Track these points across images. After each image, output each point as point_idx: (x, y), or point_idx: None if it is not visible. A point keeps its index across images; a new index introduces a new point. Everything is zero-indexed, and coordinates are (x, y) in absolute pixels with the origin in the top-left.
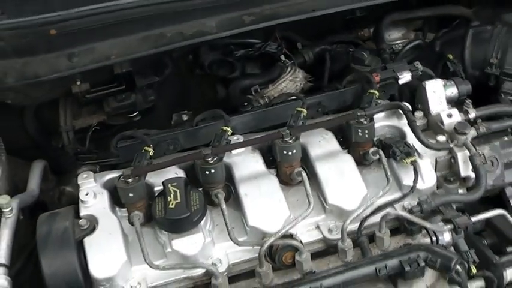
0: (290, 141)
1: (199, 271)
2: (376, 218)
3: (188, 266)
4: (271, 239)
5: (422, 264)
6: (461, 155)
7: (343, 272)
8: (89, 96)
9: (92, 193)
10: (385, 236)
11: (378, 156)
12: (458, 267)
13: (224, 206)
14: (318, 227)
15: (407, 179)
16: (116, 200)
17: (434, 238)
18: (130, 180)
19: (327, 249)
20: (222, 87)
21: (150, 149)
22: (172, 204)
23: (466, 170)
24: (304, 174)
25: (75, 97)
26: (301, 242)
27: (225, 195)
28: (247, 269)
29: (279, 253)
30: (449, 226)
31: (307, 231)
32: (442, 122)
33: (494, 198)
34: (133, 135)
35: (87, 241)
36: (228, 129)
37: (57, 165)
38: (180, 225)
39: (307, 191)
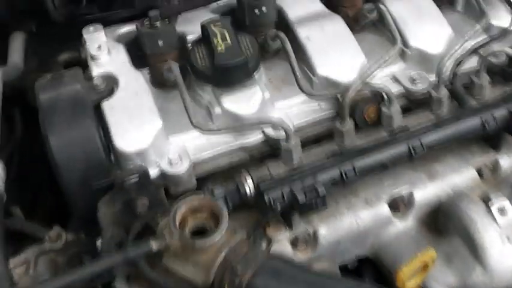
0: None
1: (258, 138)
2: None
3: (251, 123)
4: (357, 84)
5: None
6: None
7: (443, 126)
8: None
9: (106, 47)
10: (485, 83)
11: None
12: None
13: (289, 46)
14: (395, 79)
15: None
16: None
17: None
18: (158, 23)
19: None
20: None
21: None
22: (221, 47)
23: None
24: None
25: None
26: None
27: None
28: (316, 135)
29: (360, 107)
30: None
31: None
32: None
33: None
34: None
35: (107, 105)
36: None
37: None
38: (233, 73)
39: (390, 26)
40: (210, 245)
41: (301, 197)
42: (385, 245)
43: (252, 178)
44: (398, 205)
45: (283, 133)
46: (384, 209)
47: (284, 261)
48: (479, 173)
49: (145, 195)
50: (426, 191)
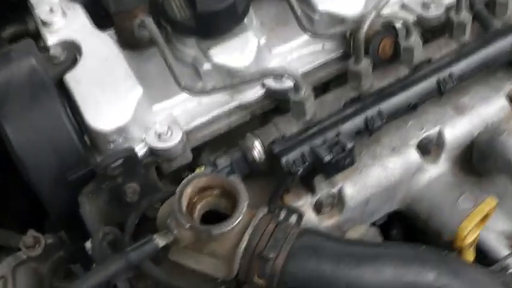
0: None
1: (258, 93)
2: None
3: (250, 76)
4: (371, 15)
5: None
6: None
7: (471, 53)
8: None
9: (59, 9)
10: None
11: None
12: None
13: None
14: (404, 6)
15: None
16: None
17: None
18: None
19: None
20: None
21: None
22: None
23: None
24: None
25: None
26: None
27: None
28: (324, 80)
29: (373, 42)
30: None
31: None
32: None
33: None
34: None
35: (71, 78)
36: None
37: None
38: (220, 20)
39: None
40: (229, 230)
41: (326, 155)
42: (419, 196)
43: (260, 141)
44: (428, 148)
45: (289, 83)
46: (413, 155)
47: (319, 235)
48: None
49: (134, 180)
50: (456, 128)
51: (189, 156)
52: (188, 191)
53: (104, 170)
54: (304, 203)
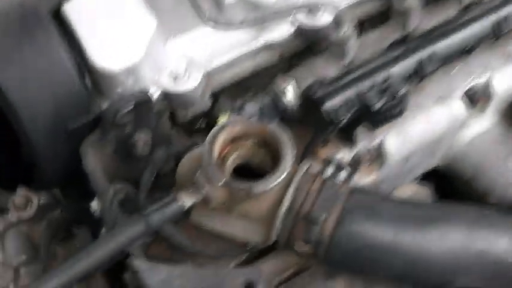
0: None
1: (288, 30)
2: None
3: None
4: None
5: None
6: None
7: None
8: None
9: None
10: None
11: None
12: None
13: None
14: None
15: None
16: None
17: None
18: None
19: None
20: None
21: None
22: None
23: None
24: None
25: None
26: None
27: None
28: (362, 15)
29: None
30: None
31: None
32: None
33: None
34: None
35: (70, 9)
36: None
37: None
38: None
39: None
40: (271, 188)
41: (376, 102)
42: (463, 152)
43: (294, 84)
44: (475, 98)
45: (325, 19)
46: (459, 106)
47: (374, 194)
48: None
49: (145, 129)
50: (507, 77)
51: (207, 103)
52: (220, 140)
53: (113, 117)
54: (342, 157)
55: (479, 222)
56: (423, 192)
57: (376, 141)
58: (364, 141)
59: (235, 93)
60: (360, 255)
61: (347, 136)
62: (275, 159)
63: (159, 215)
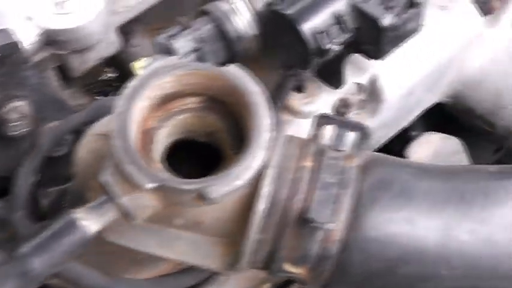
0: None
1: None
2: None
3: None
4: None
5: None
6: None
7: None
8: None
9: None
10: None
11: None
12: None
13: None
14: None
15: None
16: None
17: None
18: None
19: None
20: None
21: None
22: None
23: None
24: None
25: None
26: None
27: None
28: None
29: None
30: None
31: None
32: None
33: None
34: None
35: None
36: None
37: None
38: None
39: None
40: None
41: (384, 16)
42: (477, 77)
43: (246, 2)
44: (488, 3)
45: None
46: (470, 13)
47: (395, 164)
48: None
49: (20, 94)
50: None
51: (114, 43)
52: (141, 103)
53: None
54: (322, 106)
55: None
56: (453, 146)
57: (367, 76)
58: (351, 81)
59: (156, 22)
60: (391, 274)
61: (328, 76)
62: (239, 129)
63: (44, 255)
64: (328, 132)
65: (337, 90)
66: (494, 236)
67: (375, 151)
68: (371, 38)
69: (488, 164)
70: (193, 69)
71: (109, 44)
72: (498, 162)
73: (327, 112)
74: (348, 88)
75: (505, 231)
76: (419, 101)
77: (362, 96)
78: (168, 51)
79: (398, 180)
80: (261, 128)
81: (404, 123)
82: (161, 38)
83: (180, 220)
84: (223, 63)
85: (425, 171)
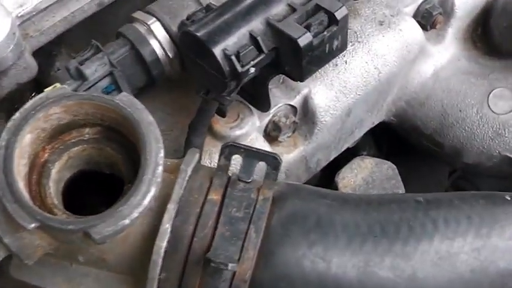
0: None
1: None
2: None
3: None
4: None
5: None
6: None
7: None
8: None
9: None
10: None
11: None
12: None
13: None
14: None
15: None
16: None
17: None
18: None
19: None
20: None
21: None
22: None
23: None
24: None
25: None
26: None
27: None
28: None
29: None
30: None
31: None
32: None
33: None
34: None
35: None
36: None
37: None
38: None
39: None
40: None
41: (300, 35)
42: (422, 94)
43: (161, 20)
44: (430, 18)
45: None
46: (412, 29)
47: (311, 194)
48: None
49: None
50: None
51: (31, 66)
52: (27, 139)
53: None
54: (250, 130)
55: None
56: (386, 172)
57: (300, 96)
58: (281, 101)
59: (81, 44)
60: None
61: (254, 99)
62: (136, 161)
63: None
64: (235, 160)
65: (268, 112)
66: (419, 273)
67: (315, 175)
68: (290, 59)
69: (445, 187)
70: (82, 100)
71: (25, 69)
72: (454, 185)
73: (235, 142)
74: (279, 110)
75: (431, 267)
76: (360, 121)
77: (295, 119)
78: (80, 76)
79: (313, 213)
80: (151, 161)
81: (346, 144)
82: (73, 62)
83: (83, 256)
84: (141, 88)
85: (344, 202)
